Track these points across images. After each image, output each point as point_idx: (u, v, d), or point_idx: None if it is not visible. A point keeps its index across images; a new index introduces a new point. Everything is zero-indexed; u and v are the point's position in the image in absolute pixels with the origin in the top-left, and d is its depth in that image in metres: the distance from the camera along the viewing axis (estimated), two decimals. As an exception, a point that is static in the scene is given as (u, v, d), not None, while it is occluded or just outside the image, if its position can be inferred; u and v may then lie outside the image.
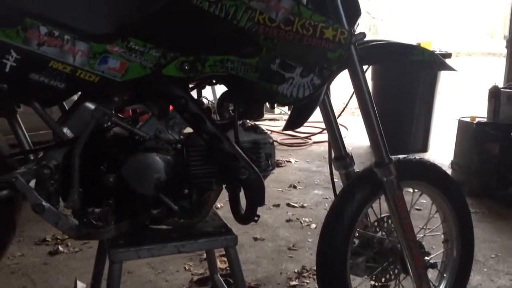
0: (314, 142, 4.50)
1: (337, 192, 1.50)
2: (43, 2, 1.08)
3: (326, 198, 2.98)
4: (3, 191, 1.14)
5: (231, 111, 1.30)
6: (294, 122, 1.36)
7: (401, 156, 1.46)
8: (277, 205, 2.84)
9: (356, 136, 4.39)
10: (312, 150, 4.28)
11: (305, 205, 2.88)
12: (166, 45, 1.13)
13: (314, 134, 4.54)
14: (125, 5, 1.16)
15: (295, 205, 2.86)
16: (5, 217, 1.22)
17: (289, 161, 3.85)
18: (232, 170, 1.19)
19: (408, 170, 1.44)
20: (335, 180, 1.59)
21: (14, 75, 1.05)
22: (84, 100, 1.16)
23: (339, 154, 1.53)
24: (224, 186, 1.28)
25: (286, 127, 1.38)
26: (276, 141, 4.16)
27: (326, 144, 4.31)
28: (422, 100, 3.91)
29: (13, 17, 1.04)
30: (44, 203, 1.12)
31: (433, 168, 1.51)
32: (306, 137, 4.58)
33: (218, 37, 1.14)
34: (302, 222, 2.61)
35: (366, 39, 1.29)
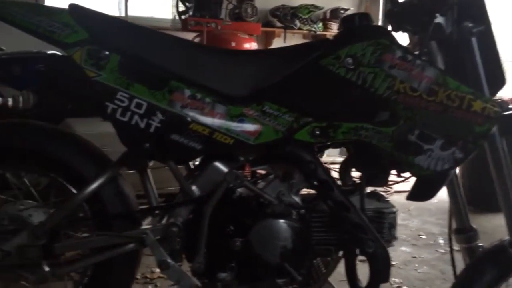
0: (396, 192, 4.30)
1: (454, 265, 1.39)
2: (187, 65, 1.12)
3: (415, 257, 2.79)
4: (130, 244, 1.16)
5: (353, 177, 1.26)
6: (420, 194, 1.27)
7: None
8: (363, 261, 2.71)
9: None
10: (393, 201, 4.09)
11: (393, 263, 2.71)
12: (300, 110, 1.12)
13: (396, 182, 4.33)
14: (261, 69, 1.17)
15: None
16: (128, 269, 1.24)
17: (371, 211, 3.71)
18: (358, 242, 1.14)
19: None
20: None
21: (157, 136, 1.09)
22: (213, 160, 1.17)
23: (461, 226, 1.41)
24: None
25: (410, 198, 1.29)
26: (355, 188, 4.03)
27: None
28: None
29: (161, 79, 1.09)
30: (169, 260, 1.13)
31: None
32: (387, 185, 4.39)
33: (354, 104, 1.12)
34: (392, 283, 2.45)
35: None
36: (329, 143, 1.19)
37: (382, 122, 1.10)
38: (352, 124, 1.11)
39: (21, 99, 1.94)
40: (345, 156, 1.31)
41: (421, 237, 2.99)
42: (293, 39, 5.01)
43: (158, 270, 2.17)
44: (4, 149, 1.18)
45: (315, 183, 1.15)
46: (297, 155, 1.14)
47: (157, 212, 1.25)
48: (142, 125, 1.08)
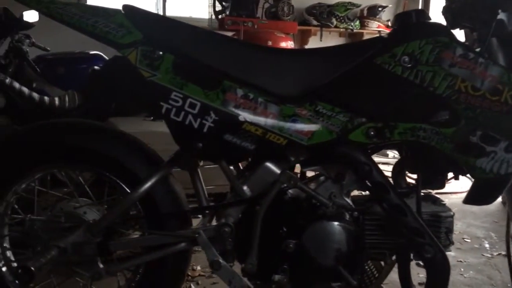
0: (437, 193, 4.18)
1: None
2: (239, 64, 1.11)
3: (461, 261, 2.69)
4: (182, 244, 1.17)
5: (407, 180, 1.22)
6: (479, 198, 1.21)
7: None
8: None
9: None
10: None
11: (437, 267, 2.63)
12: (354, 110, 1.10)
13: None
14: (313, 68, 1.15)
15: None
16: (179, 268, 1.24)
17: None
18: (415, 246, 1.10)
19: None
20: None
21: (210, 135, 1.08)
22: (264, 160, 1.15)
23: (520, 231, 1.35)
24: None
25: (468, 201, 1.24)
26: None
27: (452, 196, 3.96)
28: None
29: (214, 79, 1.08)
30: (221, 260, 1.12)
31: None
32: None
33: (411, 103, 1.08)
34: (437, 287, 2.37)
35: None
36: (383, 144, 1.15)
37: (441, 122, 1.06)
38: (409, 125, 1.07)
39: (67, 98, 1.99)
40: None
41: (465, 241, 2.88)
42: (329, 38, 4.96)
43: (199, 267, 2.20)
44: (59, 147, 1.20)
45: (369, 185, 1.12)
46: (351, 156, 1.11)
47: (207, 211, 1.25)
48: (196, 125, 1.08)
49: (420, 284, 2.27)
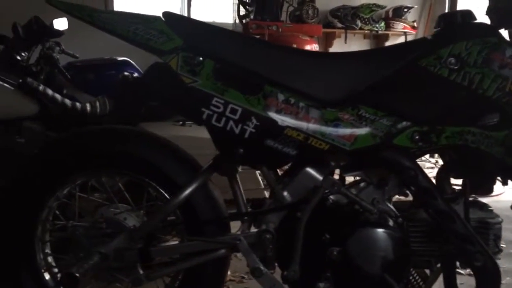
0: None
1: None
2: (280, 69, 1.10)
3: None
4: (222, 250, 1.15)
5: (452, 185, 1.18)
6: None
7: None
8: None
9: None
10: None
11: (472, 273, 2.56)
12: (398, 114, 1.07)
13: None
14: (355, 71, 1.13)
15: (462, 271, 2.55)
16: (218, 274, 1.23)
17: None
18: (463, 254, 1.07)
19: None
20: None
21: (251, 141, 1.07)
22: (304, 165, 1.13)
23: None
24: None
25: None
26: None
27: (485, 199, 3.80)
28: None
29: (255, 84, 1.07)
30: (262, 267, 1.10)
31: None
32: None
33: (458, 106, 1.05)
34: (473, 294, 2.30)
35: None
36: (428, 148, 1.12)
37: (491, 125, 1.03)
38: (457, 128, 1.04)
39: (98, 104, 2.01)
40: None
41: (500, 246, 2.79)
42: (354, 40, 4.91)
43: (229, 272, 2.19)
44: (101, 153, 1.20)
45: (414, 190, 1.09)
46: (395, 161, 1.08)
47: (246, 218, 1.23)
48: (237, 130, 1.07)
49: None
